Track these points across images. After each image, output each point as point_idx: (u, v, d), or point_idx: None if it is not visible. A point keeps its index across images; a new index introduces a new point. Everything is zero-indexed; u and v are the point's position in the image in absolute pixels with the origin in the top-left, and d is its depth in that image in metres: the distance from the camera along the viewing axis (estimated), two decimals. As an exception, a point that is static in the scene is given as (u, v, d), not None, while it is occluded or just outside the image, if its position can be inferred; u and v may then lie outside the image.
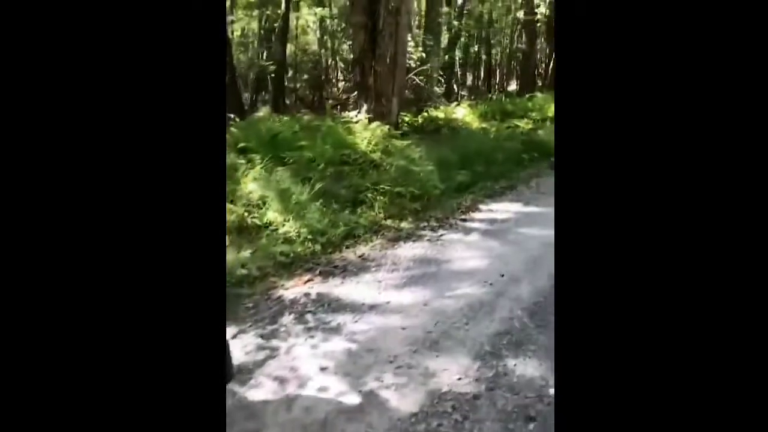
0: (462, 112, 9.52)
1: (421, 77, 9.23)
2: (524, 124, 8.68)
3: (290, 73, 12.33)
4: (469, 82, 17.10)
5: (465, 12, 14.50)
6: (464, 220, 4.50)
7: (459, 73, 15.19)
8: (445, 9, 12.47)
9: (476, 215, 4.65)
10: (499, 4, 15.41)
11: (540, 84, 17.00)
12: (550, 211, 4.81)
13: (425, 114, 8.77)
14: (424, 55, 9.29)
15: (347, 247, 3.84)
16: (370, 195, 4.63)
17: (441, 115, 9.06)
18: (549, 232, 4.07)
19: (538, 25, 16.18)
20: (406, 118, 8.59)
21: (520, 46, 16.92)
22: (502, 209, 4.82)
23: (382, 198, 4.65)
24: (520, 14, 15.85)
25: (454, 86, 15.22)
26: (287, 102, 10.63)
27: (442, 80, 11.94)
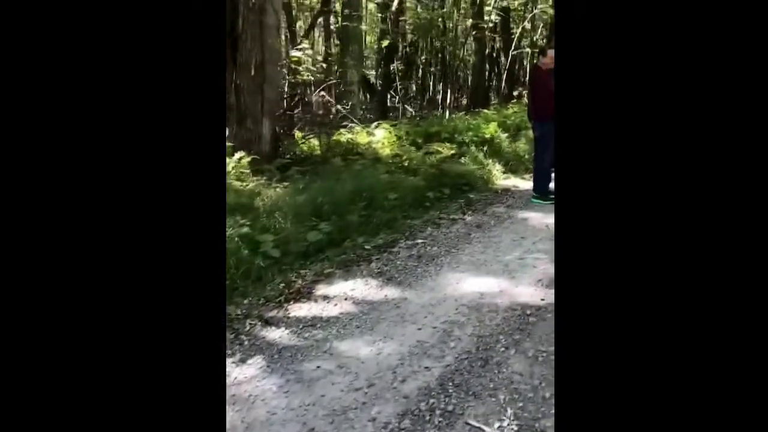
0: (380, 135, 7.94)
1: (324, 93, 7.65)
2: (446, 149, 7.08)
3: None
4: (425, 96, 15.61)
5: (403, 19, 13.00)
6: (269, 323, 2.82)
7: (401, 87, 13.64)
8: (378, 15, 10.98)
9: (296, 310, 2.98)
10: (444, 10, 13.95)
11: (494, 99, 15.59)
12: (414, 297, 3.01)
13: (325, 139, 7.13)
14: (324, 65, 7.66)
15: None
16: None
17: (350, 139, 7.45)
18: (383, 348, 2.41)
19: (489, 34, 14.81)
20: (303, 142, 6.99)
21: (469, 57, 15.52)
22: (345, 293, 3.16)
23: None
24: (469, 22, 14.46)
25: (396, 102, 13.69)
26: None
27: (367, 96, 10.36)
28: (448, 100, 12.71)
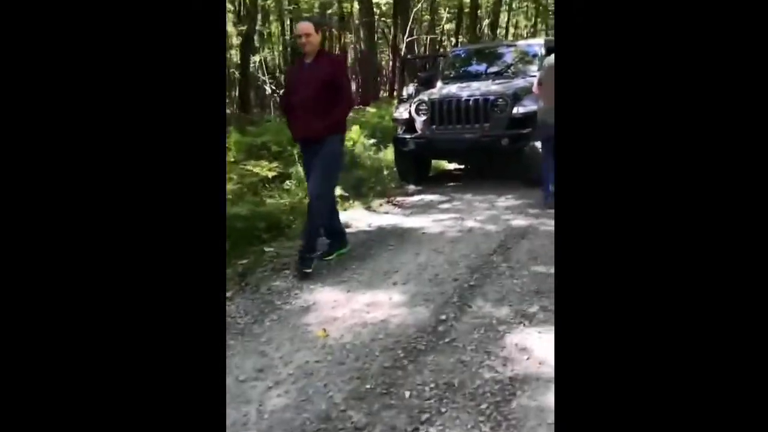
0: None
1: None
2: (266, 170, 5.11)
3: None
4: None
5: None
6: None
7: (270, 81, 11.53)
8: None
9: None
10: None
11: (385, 93, 13.78)
12: None
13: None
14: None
15: None
16: None
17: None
18: None
19: (379, 20, 12.96)
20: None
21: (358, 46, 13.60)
22: None
23: None
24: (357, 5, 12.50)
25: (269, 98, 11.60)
26: None
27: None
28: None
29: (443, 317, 2.55)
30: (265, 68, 10.67)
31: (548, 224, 4.02)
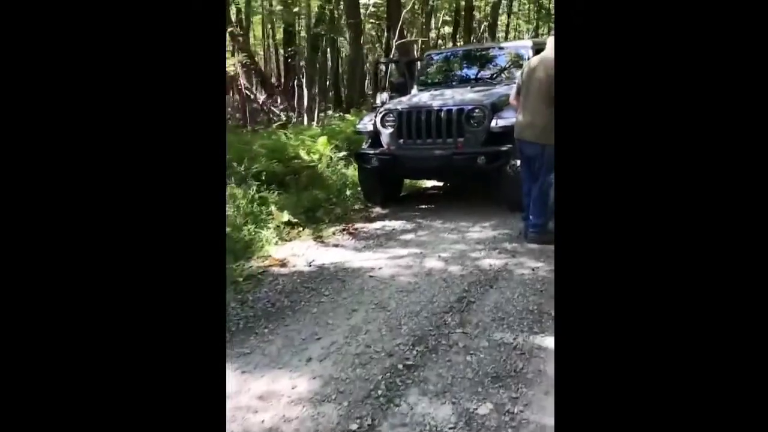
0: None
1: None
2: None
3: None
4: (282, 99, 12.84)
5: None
6: None
7: (245, 88, 10.83)
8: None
9: None
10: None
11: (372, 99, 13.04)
12: None
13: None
14: None
15: None
16: None
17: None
18: None
19: (371, 20, 12.25)
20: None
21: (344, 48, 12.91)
22: None
23: None
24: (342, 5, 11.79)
25: (259, 106, 10.93)
26: None
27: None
28: (305, 102, 9.97)
29: (354, 426, 1.81)
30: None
31: (525, 265, 3.28)
